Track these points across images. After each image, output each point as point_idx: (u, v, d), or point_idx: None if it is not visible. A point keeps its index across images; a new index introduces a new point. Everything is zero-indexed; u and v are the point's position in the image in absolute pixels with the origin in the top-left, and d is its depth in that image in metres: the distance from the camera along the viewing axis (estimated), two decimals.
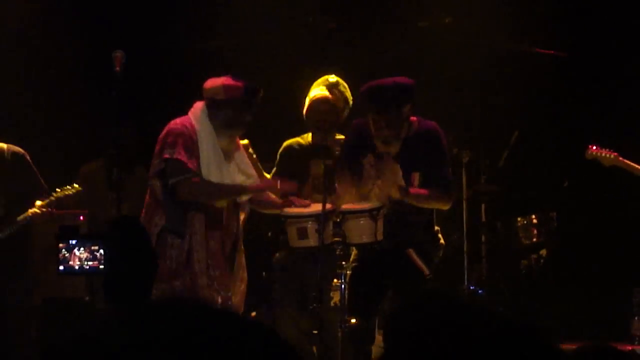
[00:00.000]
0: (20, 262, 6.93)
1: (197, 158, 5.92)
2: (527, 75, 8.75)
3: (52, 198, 6.82)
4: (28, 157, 7.03)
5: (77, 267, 4.51)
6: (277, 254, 6.90)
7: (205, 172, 5.93)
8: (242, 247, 6.23)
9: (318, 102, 6.68)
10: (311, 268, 6.27)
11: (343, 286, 6.18)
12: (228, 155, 6.06)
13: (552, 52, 8.63)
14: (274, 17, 8.83)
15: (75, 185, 6.85)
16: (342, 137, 6.67)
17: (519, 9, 8.70)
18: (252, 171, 6.17)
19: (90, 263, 4.52)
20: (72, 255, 4.58)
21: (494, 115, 8.71)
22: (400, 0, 9.10)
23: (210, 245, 5.96)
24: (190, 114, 6.07)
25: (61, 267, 4.77)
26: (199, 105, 6.07)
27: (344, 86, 6.72)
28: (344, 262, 6.29)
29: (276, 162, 6.82)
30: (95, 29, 8.57)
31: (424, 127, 6.22)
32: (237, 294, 6.13)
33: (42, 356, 1.42)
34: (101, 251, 4.42)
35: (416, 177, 6.11)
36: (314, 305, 6.48)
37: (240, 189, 6.08)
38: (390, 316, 1.71)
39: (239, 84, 6.01)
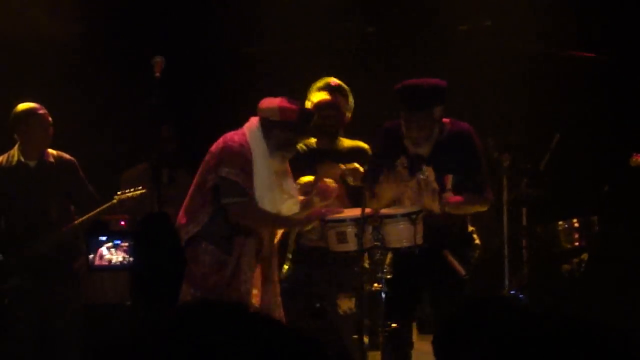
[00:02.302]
0: (69, 266, 6.98)
1: (252, 179, 5.96)
2: (568, 79, 8.69)
3: (115, 200, 6.88)
4: (77, 165, 7.12)
5: (107, 263, 4.53)
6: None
7: (258, 192, 5.97)
8: (276, 261, 6.25)
9: (323, 107, 6.60)
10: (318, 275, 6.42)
11: (383, 291, 6.17)
12: (278, 177, 6.09)
13: (593, 55, 8.57)
14: (313, 21, 8.84)
15: (140, 188, 6.91)
16: (354, 142, 6.66)
17: (559, 12, 8.64)
18: (297, 194, 6.19)
19: (120, 259, 4.54)
20: (103, 251, 4.60)
21: (534, 119, 8.66)
22: (440, 4, 9.07)
23: (254, 265, 6.04)
24: (245, 129, 6.09)
25: (92, 264, 4.80)
26: (254, 123, 6.09)
27: (347, 89, 6.67)
28: (384, 267, 6.27)
29: None
30: (135, 34, 8.63)
31: (456, 128, 6.21)
32: (276, 307, 6.16)
33: None
34: (131, 246, 4.45)
35: (449, 179, 6.09)
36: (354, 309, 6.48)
37: (290, 222, 6.13)
38: (445, 326, 1.68)
39: (295, 106, 6.05)
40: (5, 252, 6.94)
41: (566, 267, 8.41)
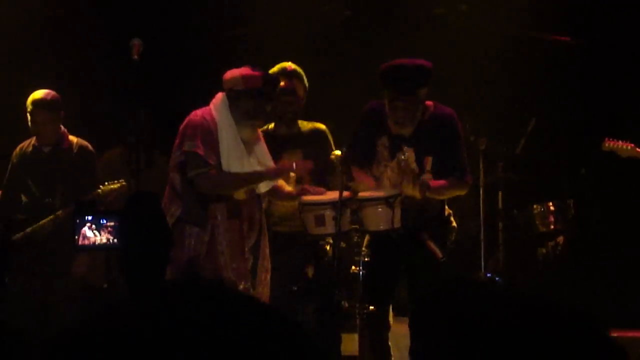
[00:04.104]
0: (67, 251, 6.97)
1: (217, 150, 5.94)
2: (543, 63, 8.73)
3: (99, 192, 6.90)
4: (94, 154, 7.13)
5: (93, 243, 4.52)
6: None
7: (225, 164, 5.95)
8: (267, 237, 6.23)
9: (280, 92, 6.51)
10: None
11: (361, 273, 6.19)
12: (249, 146, 6.07)
13: (569, 38, 8.61)
14: (290, 5, 8.83)
15: (121, 181, 6.92)
16: (312, 124, 6.67)
17: None
18: (271, 163, 6.17)
19: (106, 239, 4.52)
20: (89, 231, 4.58)
21: (511, 103, 8.70)
22: None
23: (232, 238, 6.00)
24: (211, 105, 6.08)
25: (78, 243, 4.78)
26: (219, 97, 6.08)
27: (302, 74, 6.65)
28: (362, 250, 6.30)
29: None
30: (113, 17, 8.59)
31: (439, 111, 6.22)
32: (262, 284, 6.14)
33: (60, 342, 1.42)
34: (116, 226, 4.45)
35: (429, 161, 6.10)
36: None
37: (258, 176, 6.08)
38: (419, 305, 1.69)
39: (258, 74, 6.02)
40: (14, 232, 7.02)
41: (542, 250, 8.47)
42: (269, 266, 6.19)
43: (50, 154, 7.10)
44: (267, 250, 6.20)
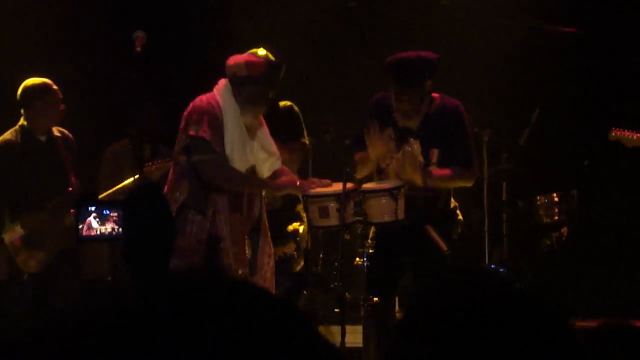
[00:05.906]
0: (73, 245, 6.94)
1: (222, 136, 5.95)
2: (548, 53, 8.72)
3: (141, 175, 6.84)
4: (76, 144, 7.07)
5: (96, 233, 4.52)
6: None
7: (229, 149, 5.96)
8: (266, 223, 6.23)
9: None
10: None
11: (365, 265, 6.20)
12: (252, 132, 6.09)
13: (573, 29, 8.60)
14: None
15: (167, 159, 6.79)
16: (285, 103, 6.69)
17: None
18: (274, 149, 6.18)
19: (109, 229, 4.52)
20: (91, 222, 4.57)
21: (515, 94, 8.69)
22: None
23: (232, 225, 6.00)
24: (215, 90, 6.10)
25: (80, 234, 4.77)
26: (222, 82, 6.10)
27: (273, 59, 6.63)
28: (366, 241, 6.31)
29: None
30: (116, 9, 8.59)
31: (446, 103, 6.23)
32: (264, 269, 6.14)
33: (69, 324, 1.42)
34: (120, 217, 4.43)
35: (435, 153, 6.12)
36: (335, 283, 6.50)
37: (261, 184, 6.10)
38: (415, 293, 1.70)
39: (261, 60, 6.04)
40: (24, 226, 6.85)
41: (546, 241, 8.47)
42: (272, 251, 6.21)
43: (47, 143, 6.94)
44: (269, 237, 6.21)
